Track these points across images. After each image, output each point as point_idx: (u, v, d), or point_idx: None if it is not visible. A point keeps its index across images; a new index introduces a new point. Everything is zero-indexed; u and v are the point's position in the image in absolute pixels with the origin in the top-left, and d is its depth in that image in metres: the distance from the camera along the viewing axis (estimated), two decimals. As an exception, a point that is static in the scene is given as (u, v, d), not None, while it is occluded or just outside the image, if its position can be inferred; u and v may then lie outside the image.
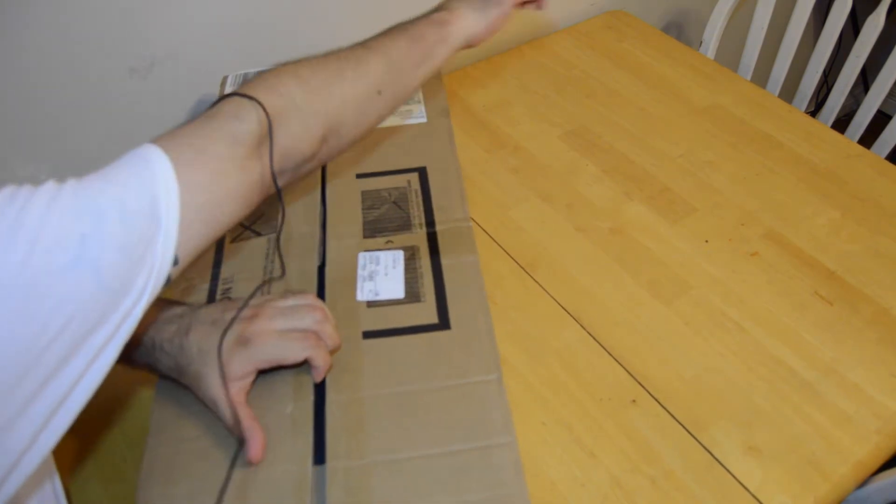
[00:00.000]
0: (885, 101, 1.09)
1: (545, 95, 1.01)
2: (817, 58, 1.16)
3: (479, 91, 1.02)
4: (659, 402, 0.66)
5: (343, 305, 0.60)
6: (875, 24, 1.06)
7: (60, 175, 0.88)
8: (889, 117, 1.08)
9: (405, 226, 0.65)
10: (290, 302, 0.56)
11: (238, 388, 0.53)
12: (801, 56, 1.17)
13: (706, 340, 0.71)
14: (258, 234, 0.65)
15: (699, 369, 0.68)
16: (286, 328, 0.54)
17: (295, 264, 0.63)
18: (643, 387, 0.67)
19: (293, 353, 0.53)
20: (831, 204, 0.84)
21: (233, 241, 0.64)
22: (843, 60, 1.13)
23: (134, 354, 0.55)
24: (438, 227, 0.65)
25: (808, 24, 1.13)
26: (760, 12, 1.16)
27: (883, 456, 0.63)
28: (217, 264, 0.63)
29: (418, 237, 0.65)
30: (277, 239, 0.63)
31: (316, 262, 0.63)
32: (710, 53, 1.16)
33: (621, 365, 0.69)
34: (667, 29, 1.34)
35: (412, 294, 0.60)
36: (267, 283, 0.60)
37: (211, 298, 0.61)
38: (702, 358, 0.69)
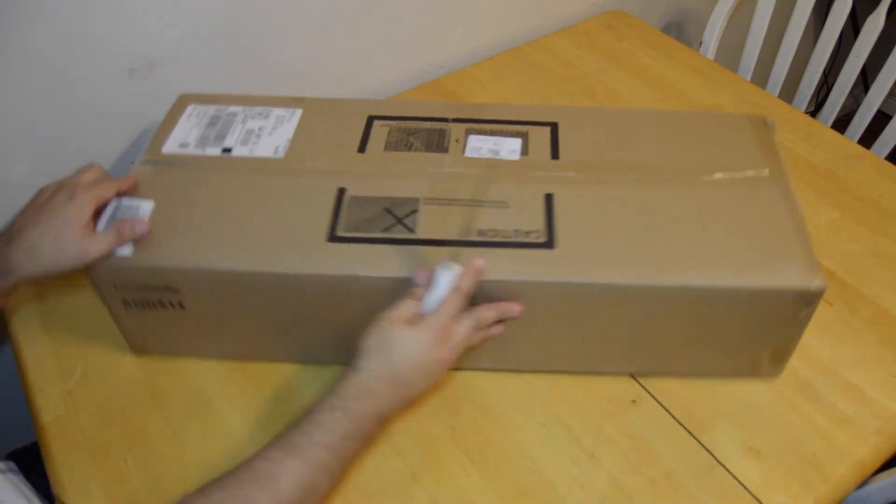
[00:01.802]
0: (885, 101, 1.09)
1: (545, 95, 1.01)
2: (817, 58, 1.16)
3: (479, 91, 1.02)
4: (659, 403, 0.66)
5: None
6: (875, 24, 1.06)
7: (59, 175, 0.88)
8: (889, 117, 1.08)
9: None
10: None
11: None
12: (801, 56, 1.17)
13: (706, 341, 0.71)
14: (389, 242, 0.61)
15: (699, 370, 0.68)
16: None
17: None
18: (643, 387, 0.67)
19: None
20: (831, 204, 0.84)
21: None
22: (843, 60, 1.13)
23: None
24: None
25: (808, 24, 1.13)
26: (760, 12, 1.16)
27: (882, 456, 0.63)
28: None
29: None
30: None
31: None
32: (710, 53, 1.16)
33: (621, 365, 0.69)
34: (667, 29, 1.34)
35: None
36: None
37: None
38: (701, 358, 0.69)
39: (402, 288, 0.58)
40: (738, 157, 0.69)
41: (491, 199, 0.64)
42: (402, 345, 0.54)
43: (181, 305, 0.63)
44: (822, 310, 0.72)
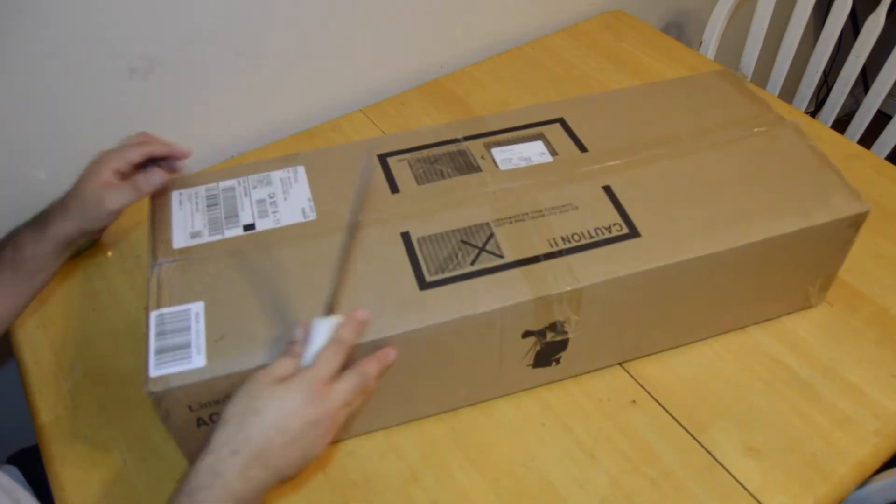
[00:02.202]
0: (885, 101, 1.09)
1: (545, 95, 1.01)
2: (817, 58, 1.16)
3: (479, 91, 1.02)
4: (659, 403, 0.66)
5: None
6: (875, 24, 1.06)
7: (59, 175, 0.88)
8: (889, 117, 1.08)
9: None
10: None
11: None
12: (801, 56, 1.17)
13: (705, 341, 0.71)
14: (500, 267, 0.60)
15: (699, 369, 0.68)
16: None
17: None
18: (643, 387, 0.67)
19: None
20: (831, 204, 0.84)
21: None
22: (843, 60, 1.13)
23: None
24: None
25: (808, 24, 1.13)
26: (760, 12, 1.16)
27: (882, 456, 0.63)
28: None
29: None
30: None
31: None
32: (710, 53, 1.16)
33: (621, 365, 0.69)
34: (667, 29, 1.34)
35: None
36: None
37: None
38: (701, 358, 0.69)
39: (520, 316, 0.57)
40: (735, 111, 0.74)
41: (555, 204, 0.64)
42: (268, 406, 0.46)
43: None
44: (822, 310, 0.73)
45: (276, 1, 0.86)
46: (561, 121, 0.73)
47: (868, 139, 1.07)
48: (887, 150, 1.07)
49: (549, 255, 0.60)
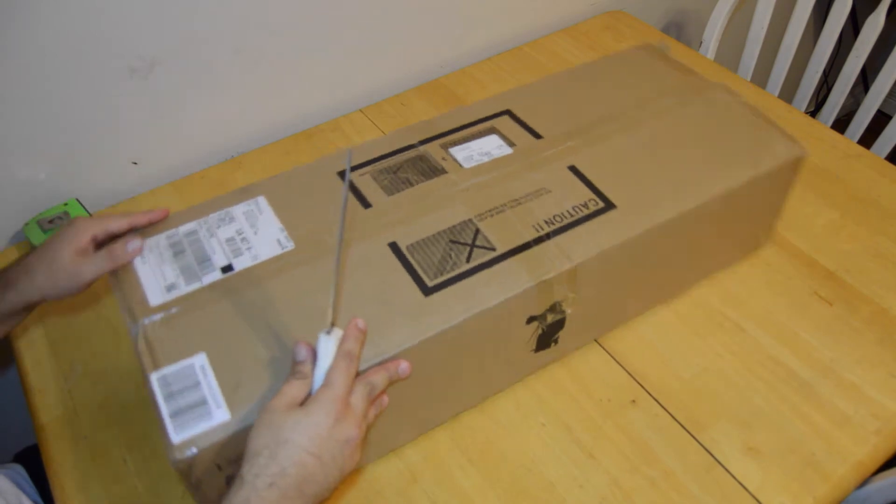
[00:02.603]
0: (885, 101, 1.09)
1: (545, 95, 1.01)
2: (817, 58, 1.16)
3: (479, 91, 1.02)
4: (658, 403, 0.66)
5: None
6: (875, 24, 1.06)
7: (59, 175, 0.88)
8: (889, 117, 1.08)
9: None
10: None
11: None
12: (801, 56, 1.17)
13: (705, 340, 0.71)
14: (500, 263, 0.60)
15: (698, 370, 0.69)
16: None
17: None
18: (643, 387, 0.67)
19: None
20: (831, 204, 0.84)
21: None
22: (843, 60, 1.13)
23: None
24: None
25: (808, 24, 1.13)
26: (760, 12, 1.16)
27: (882, 456, 0.63)
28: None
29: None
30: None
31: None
32: (710, 53, 1.16)
33: (621, 365, 0.69)
34: (667, 29, 1.34)
35: None
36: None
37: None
38: (701, 358, 0.69)
39: (525, 302, 0.58)
40: (666, 80, 0.78)
41: (528, 191, 0.65)
42: (296, 435, 0.45)
43: None
44: (822, 310, 0.73)
45: (277, 1, 0.86)
46: (509, 112, 0.74)
47: (868, 139, 1.07)
48: (887, 150, 1.07)
49: (538, 240, 0.61)
